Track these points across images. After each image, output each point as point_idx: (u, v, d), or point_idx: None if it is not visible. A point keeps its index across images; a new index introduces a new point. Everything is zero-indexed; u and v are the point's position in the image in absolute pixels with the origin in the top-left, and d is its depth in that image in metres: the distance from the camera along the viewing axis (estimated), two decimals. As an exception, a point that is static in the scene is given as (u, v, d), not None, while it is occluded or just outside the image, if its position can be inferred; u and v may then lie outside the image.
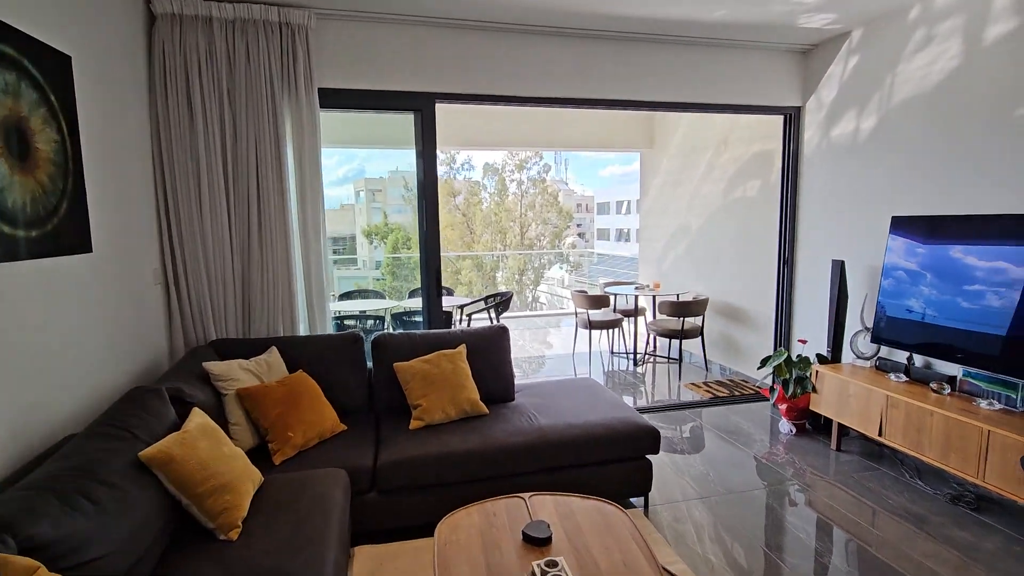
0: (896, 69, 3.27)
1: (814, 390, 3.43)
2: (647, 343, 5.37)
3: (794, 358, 3.62)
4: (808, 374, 3.50)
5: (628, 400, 4.50)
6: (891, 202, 3.34)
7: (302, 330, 3.18)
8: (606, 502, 2.03)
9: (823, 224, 3.87)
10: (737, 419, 3.88)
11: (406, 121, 3.50)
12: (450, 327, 4.31)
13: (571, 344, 5.85)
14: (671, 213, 6.00)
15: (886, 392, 2.92)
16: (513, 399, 3.07)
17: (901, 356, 3.22)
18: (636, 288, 5.64)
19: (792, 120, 4.07)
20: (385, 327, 4.12)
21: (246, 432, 2.32)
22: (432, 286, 3.52)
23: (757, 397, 4.28)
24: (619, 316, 5.57)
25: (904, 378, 3.09)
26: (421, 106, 3.38)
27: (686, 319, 4.93)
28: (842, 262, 3.50)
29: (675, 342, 5.43)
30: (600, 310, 5.48)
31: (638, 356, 5.50)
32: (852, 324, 3.54)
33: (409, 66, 3.31)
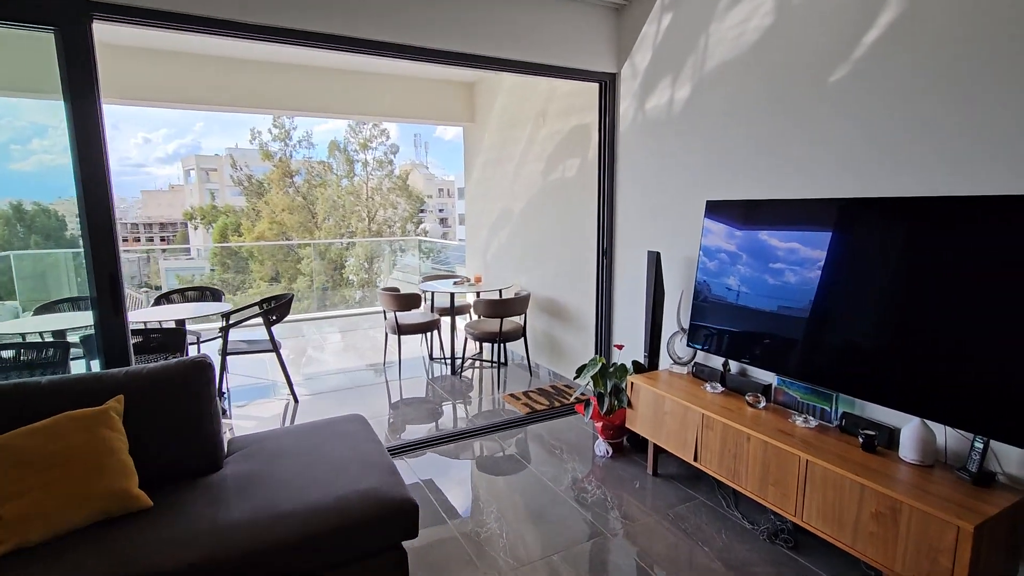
0: (709, 28, 2.81)
1: (630, 404, 2.92)
2: (465, 346, 4.65)
3: (611, 366, 3.10)
4: (624, 384, 2.99)
5: (447, 418, 3.71)
6: (706, 184, 2.91)
7: None
8: None
9: (640, 210, 3.40)
10: (552, 440, 3.29)
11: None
12: (181, 351, 3.13)
13: (391, 351, 4.91)
14: (494, 196, 5.32)
15: (701, 411, 2.45)
16: (219, 467, 2.07)
17: (718, 362, 2.82)
18: (454, 283, 4.88)
19: (607, 89, 3.53)
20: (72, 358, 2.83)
21: None
22: (107, 297, 2.34)
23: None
24: (435, 317, 4.76)
25: (720, 388, 2.67)
26: (61, 21, 2.15)
27: (508, 318, 4.28)
28: (657, 253, 3.02)
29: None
30: (411, 311, 4.62)
31: (457, 362, 4.75)
32: (669, 325, 3.09)
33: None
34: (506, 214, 5.07)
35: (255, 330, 4.86)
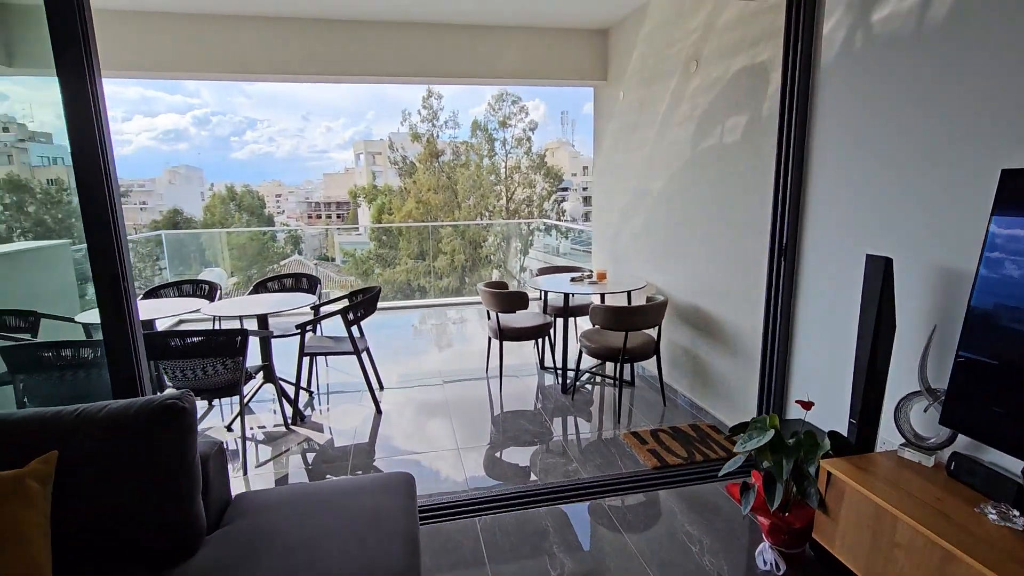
0: None
1: (822, 506, 1.80)
2: (580, 357, 3.74)
3: (791, 435, 1.98)
4: (812, 468, 1.87)
5: (539, 457, 2.89)
6: (994, 139, 1.62)
7: None
8: None
9: (851, 187, 2.16)
10: (688, 524, 2.27)
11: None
12: (243, 354, 2.70)
13: (494, 357, 4.13)
14: (627, 172, 4.27)
15: (979, 568, 1.28)
16: (193, 552, 1.48)
17: (1007, 463, 1.58)
18: (572, 279, 3.97)
19: (801, 2, 2.30)
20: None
21: None
22: (108, 303, 1.88)
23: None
24: (547, 320, 3.92)
25: (1018, 517, 1.44)
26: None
27: (634, 332, 3.27)
28: (886, 260, 1.81)
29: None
30: (518, 312, 3.83)
31: (569, 379, 3.86)
32: (903, 380, 1.88)
33: None
34: (641, 194, 4.00)
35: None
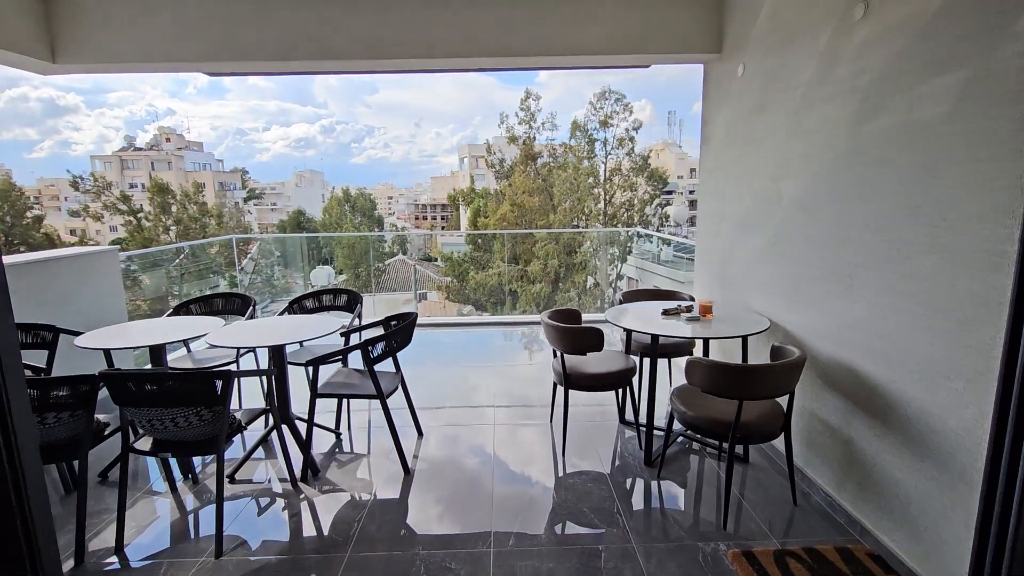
0: None
1: None
2: (671, 419, 2.76)
3: None
4: None
5: (600, 562, 2.02)
6: None
7: None
8: None
9: None
10: None
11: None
12: (224, 402, 2.13)
13: (557, 405, 3.25)
14: (746, 169, 3.20)
15: None
16: None
17: None
18: (665, 312, 3.00)
19: None
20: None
21: None
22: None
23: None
24: (628, 364, 2.99)
25: None
26: None
27: (749, 400, 2.27)
28: None
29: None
30: (590, 355, 2.95)
31: (656, 446, 2.91)
32: None
33: None
34: (767, 200, 2.93)
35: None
